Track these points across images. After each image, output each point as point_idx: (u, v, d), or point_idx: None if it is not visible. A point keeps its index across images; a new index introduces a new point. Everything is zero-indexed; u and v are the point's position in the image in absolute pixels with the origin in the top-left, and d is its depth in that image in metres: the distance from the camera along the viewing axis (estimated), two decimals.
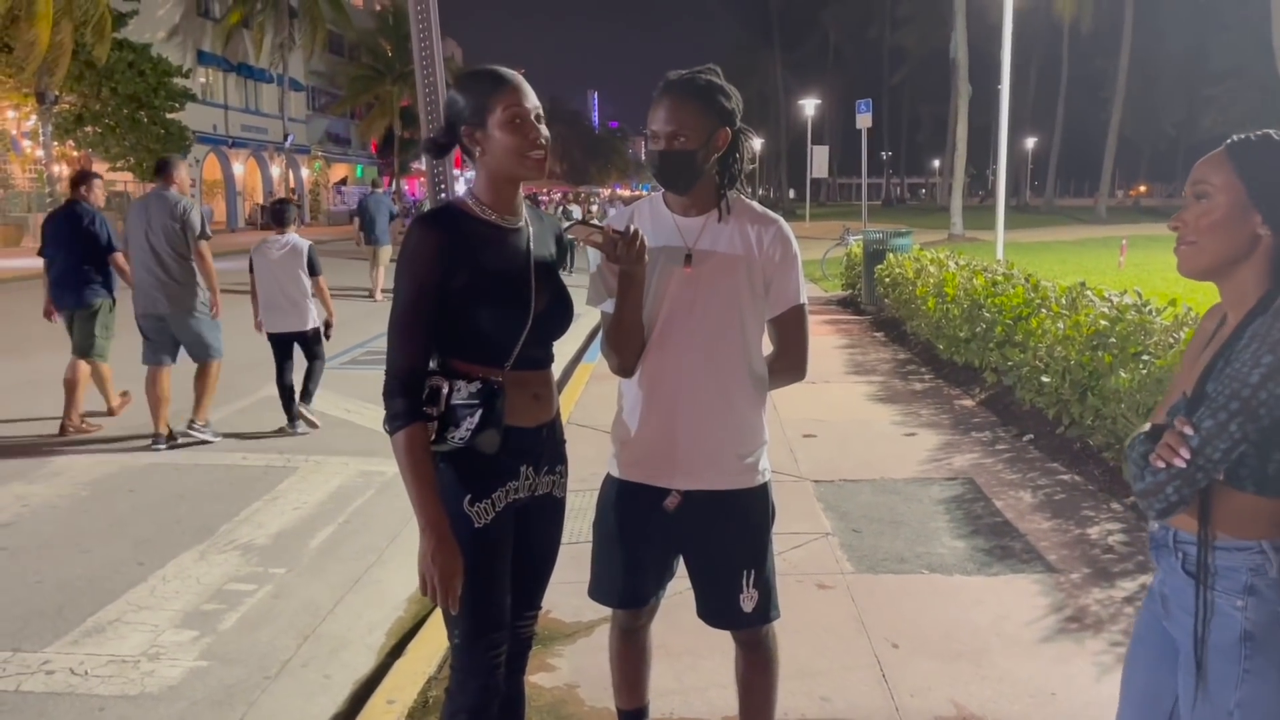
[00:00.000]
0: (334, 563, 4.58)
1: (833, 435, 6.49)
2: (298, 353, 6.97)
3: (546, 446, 2.21)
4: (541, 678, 3.25)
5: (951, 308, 8.31)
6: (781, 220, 2.35)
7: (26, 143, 28.08)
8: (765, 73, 68.15)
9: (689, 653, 3.33)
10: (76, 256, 6.87)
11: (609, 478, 2.44)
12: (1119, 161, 55.88)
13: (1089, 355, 5.65)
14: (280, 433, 6.87)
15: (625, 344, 2.29)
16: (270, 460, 6.22)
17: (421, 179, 48.75)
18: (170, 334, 6.55)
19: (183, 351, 6.67)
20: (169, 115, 28.18)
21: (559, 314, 2.18)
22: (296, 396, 6.92)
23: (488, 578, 2.11)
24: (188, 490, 5.64)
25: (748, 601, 2.35)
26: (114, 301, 7.07)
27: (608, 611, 2.56)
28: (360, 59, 50.93)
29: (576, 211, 26.75)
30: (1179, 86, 53.31)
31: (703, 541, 2.36)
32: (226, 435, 6.78)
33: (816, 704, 3.10)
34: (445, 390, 2.01)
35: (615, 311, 2.27)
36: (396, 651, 3.61)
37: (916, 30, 56.05)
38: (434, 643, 3.50)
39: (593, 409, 6.89)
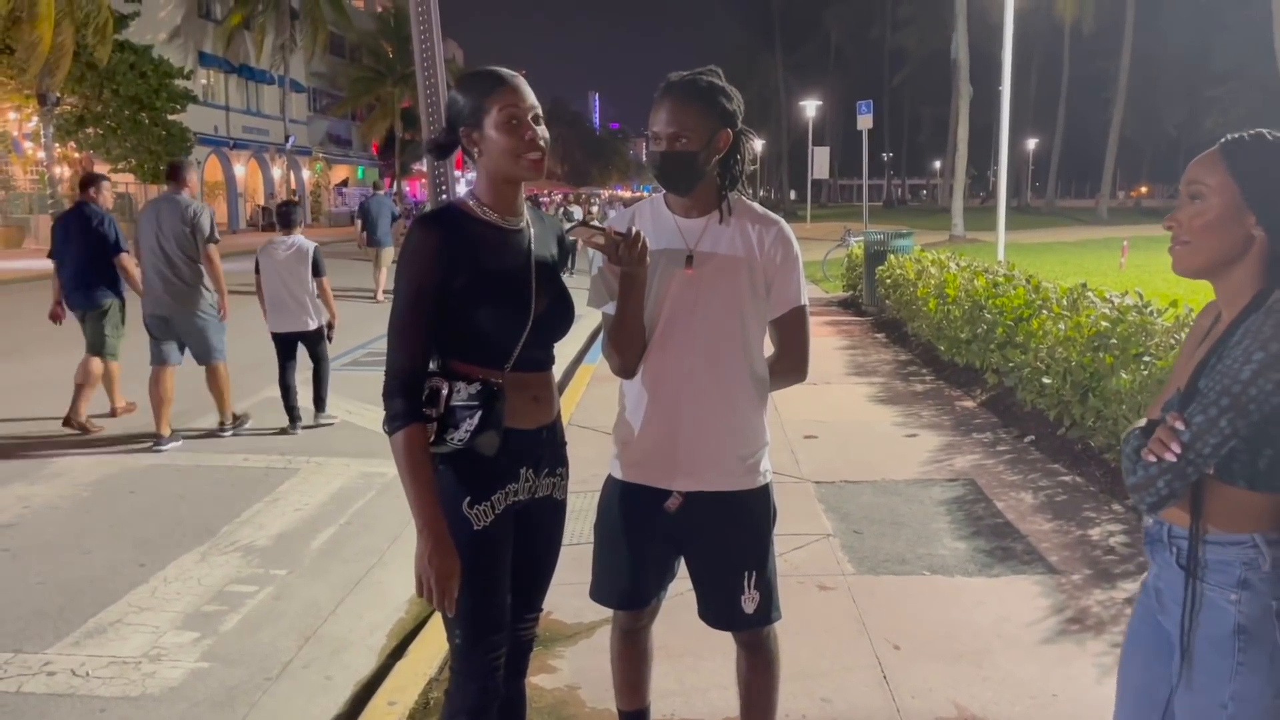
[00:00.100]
0: (335, 564, 4.58)
1: (834, 436, 6.49)
2: (301, 353, 7.04)
3: (547, 449, 2.21)
4: (542, 679, 3.25)
5: (952, 309, 8.31)
6: (782, 221, 2.35)
7: (28, 144, 28.11)
8: (766, 74, 68.13)
9: (690, 654, 3.33)
10: (86, 258, 6.95)
11: (610, 479, 2.44)
12: (1120, 162, 55.87)
13: (1090, 356, 5.65)
14: (282, 433, 6.88)
15: (627, 345, 2.29)
16: (271, 462, 6.22)
17: (422, 180, 48.83)
18: (177, 334, 6.61)
19: (187, 355, 6.73)
20: (170, 117, 28.20)
21: (560, 315, 2.18)
22: (298, 400, 6.98)
23: (487, 580, 2.11)
24: (189, 491, 5.64)
25: (749, 603, 2.35)
26: (123, 301, 7.13)
27: (609, 613, 2.56)
28: (361, 60, 50.95)
29: (577, 213, 26.74)
30: (1180, 87, 53.27)
31: (704, 543, 2.36)
32: (227, 435, 6.83)
33: (817, 705, 3.10)
34: (445, 392, 2.01)
35: (616, 313, 2.27)
36: (398, 653, 3.61)
37: (917, 31, 56.05)
38: (435, 644, 3.50)
39: (594, 410, 6.89)
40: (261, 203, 44.45)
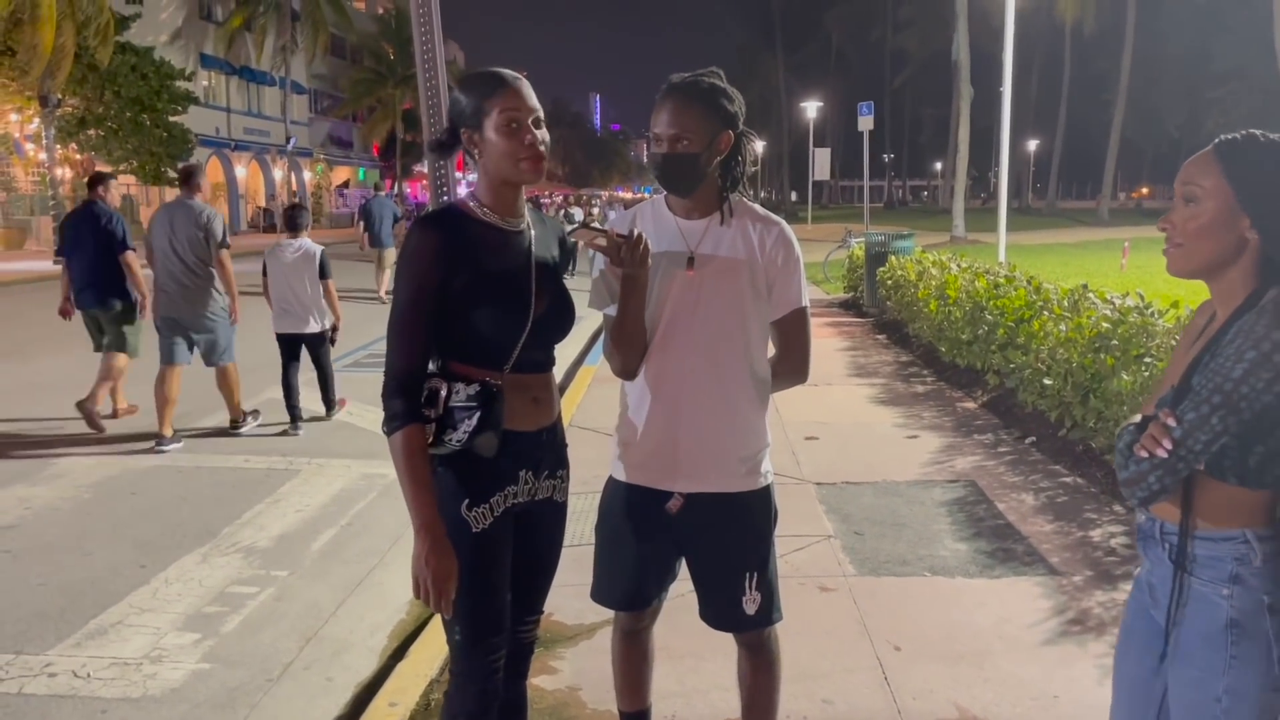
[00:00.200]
0: (336, 565, 4.58)
1: (835, 437, 6.49)
2: (305, 355, 7.12)
3: (547, 451, 2.21)
4: (543, 680, 3.25)
5: (953, 310, 8.31)
6: (784, 223, 2.35)
7: (29, 146, 28.13)
8: (767, 76, 68.15)
9: (691, 655, 3.33)
10: (95, 256, 7.03)
11: (611, 480, 2.44)
12: (1121, 163, 55.85)
13: (1091, 358, 5.65)
14: (283, 434, 6.89)
15: (628, 347, 2.29)
16: (272, 463, 6.23)
17: (423, 182, 48.84)
18: (188, 336, 6.72)
19: (195, 355, 6.83)
20: (171, 118, 28.19)
21: (560, 317, 2.18)
22: (300, 400, 7.04)
23: (486, 582, 2.11)
24: (190, 493, 5.64)
25: (750, 604, 2.35)
26: (133, 303, 7.17)
27: (610, 614, 2.56)
28: (362, 62, 50.99)
29: (578, 214, 26.77)
30: (1181, 88, 53.24)
31: (705, 544, 2.36)
32: (228, 436, 6.83)
33: (819, 706, 3.10)
34: (443, 393, 2.01)
35: (618, 314, 2.27)
36: (399, 654, 3.61)
37: (918, 33, 56.03)
38: (436, 645, 3.50)
39: (595, 412, 6.89)
40: (263, 204, 44.47)
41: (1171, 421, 1.57)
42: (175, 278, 6.60)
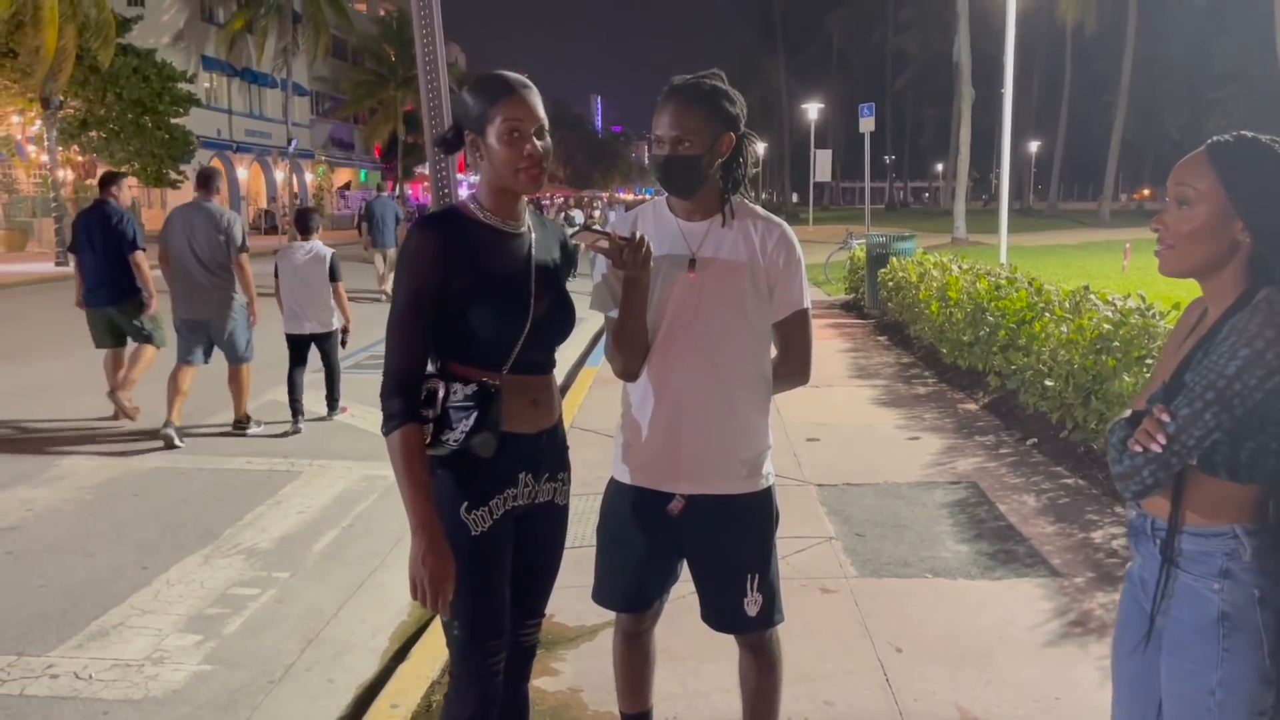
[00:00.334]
0: (338, 567, 4.58)
1: (836, 439, 6.49)
2: (311, 355, 7.22)
3: (546, 453, 2.20)
4: (545, 682, 3.25)
5: (955, 311, 8.30)
6: (785, 224, 2.35)
7: (31, 148, 28.15)
8: (768, 77, 68.22)
9: (692, 657, 3.33)
10: (105, 255, 7.12)
11: (613, 482, 2.44)
12: (1122, 165, 55.85)
13: (1093, 359, 5.65)
14: (284, 435, 6.91)
15: (629, 348, 2.29)
16: (274, 464, 6.23)
17: (425, 184, 48.82)
18: (207, 337, 6.83)
19: (205, 360, 6.94)
20: (173, 120, 28.19)
21: (560, 319, 2.18)
22: (303, 398, 7.11)
23: (485, 585, 2.10)
24: (191, 494, 5.65)
25: (752, 605, 2.35)
26: (142, 301, 7.23)
27: (611, 615, 2.56)
28: (364, 64, 51.01)
29: (578, 216, 26.75)
30: (1182, 90, 53.26)
31: (707, 546, 2.36)
32: (229, 437, 6.84)
33: (820, 708, 3.10)
34: (441, 393, 2.01)
35: (620, 316, 2.27)
36: (400, 655, 3.61)
37: (919, 34, 56.05)
38: (437, 647, 3.50)
39: (596, 413, 6.89)
40: (264, 206, 44.47)
41: (1166, 417, 1.59)
42: (194, 280, 6.70)
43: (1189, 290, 1.79)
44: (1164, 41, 49.63)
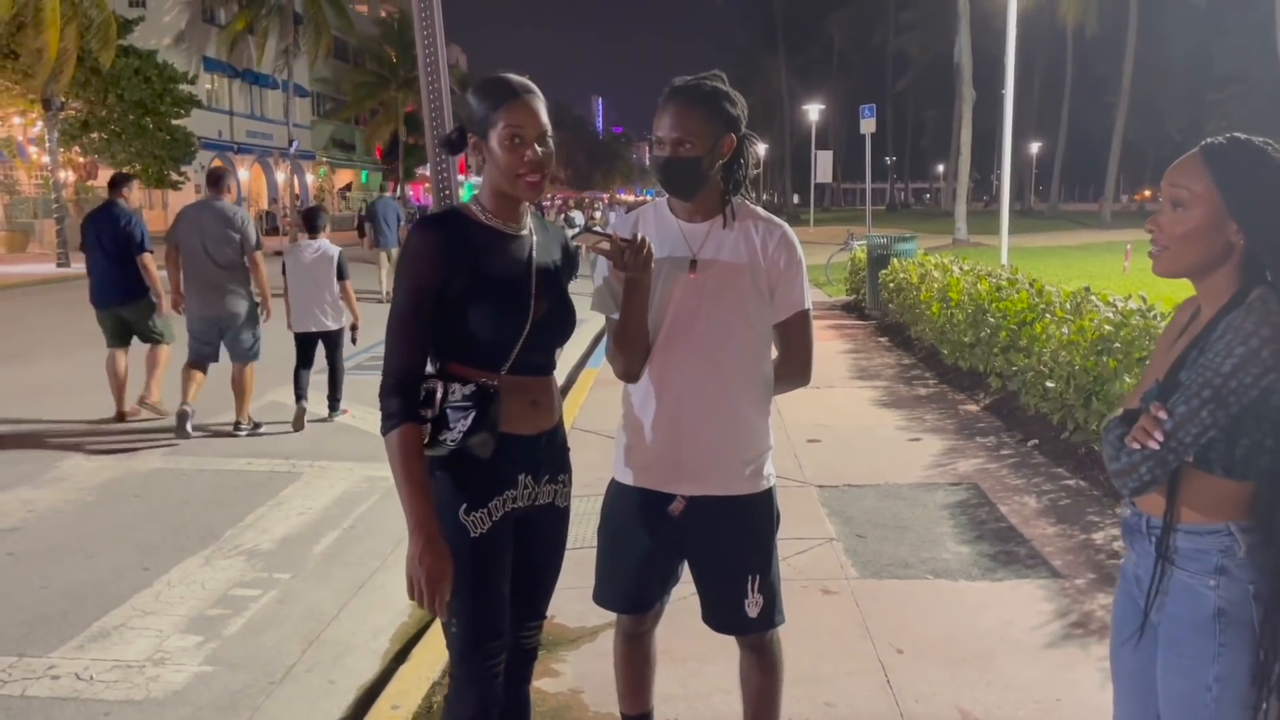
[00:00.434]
0: (338, 568, 4.58)
1: (837, 440, 6.49)
2: (317, 353, 7.31)
3: (546, 455, 2.20)
4: (545, 683, 3.25)
5: (956, 313, 8.30)
6: (786, 225, 2.35)
7: (33, 149, 28.18)
8: (769, 78, 68.20)
9: (693, 658, 3.33)
10: (113, 256, 7.17)
11: (613, 483, 2.44)
12: (1123, 166, 55.86)
13: (1094, 360, 5.65)
14: (284, 435, 6.91)
15: (630, 350, 2.29)
16: (275, 465, 6.23)
17: (426, 185, 48.81)
18: (219, 335, 6.88)
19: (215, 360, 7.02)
20: (174, 121, 28.23)
21: (560, 320, 2.18)
22: (308, 393, 7.21)
23: (484, 587, 2.10)
24: (193, 495, 5.65)
25: (752, 607, 2.35)
26: (150, 302, 7.29)
27: (612, 617, 2.56)
28: (365, 65, 51.05)
29: (578, 217, 26.76)
30: (1183, 91, 53.20)
31: (707, 547, 2.36)
32: (230, 438, 6.86)
33: (821, 709, 3.10)
34: (439, 393, 2.02)
35: (621, 317, 2.27)
36: (401, 657, 3.62)
37: (920, 36, 56.05)
38: (438, 648, 3.50)
39: (597, 414, 6.89)
40: (265, 207, 44.48)
41: (1163, 414, 1.61)
42: (207, 278, 6.74)
43: (1190, 291, 1.79)
44: (1165, 43, 49.63)
